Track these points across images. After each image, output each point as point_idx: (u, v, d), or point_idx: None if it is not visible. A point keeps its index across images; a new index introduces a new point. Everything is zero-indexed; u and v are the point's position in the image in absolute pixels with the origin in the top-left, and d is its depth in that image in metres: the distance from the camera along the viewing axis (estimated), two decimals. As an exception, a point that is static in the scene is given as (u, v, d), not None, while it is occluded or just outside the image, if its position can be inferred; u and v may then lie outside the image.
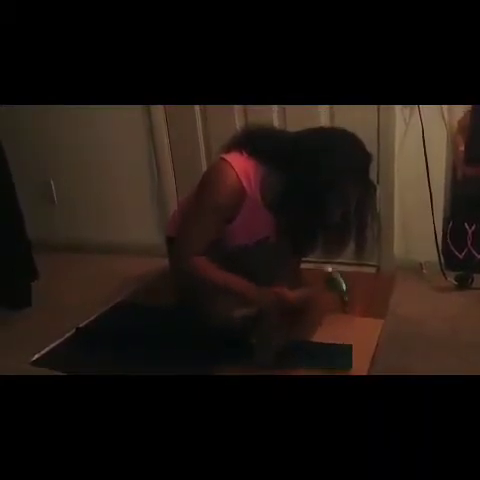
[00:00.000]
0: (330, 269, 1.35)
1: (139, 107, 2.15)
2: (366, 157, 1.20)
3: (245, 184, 1.19)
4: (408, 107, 1.80)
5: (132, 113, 2.18)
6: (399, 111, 1.82)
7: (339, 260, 2.01)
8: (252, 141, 1.25)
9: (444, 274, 1.84)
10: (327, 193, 1.14)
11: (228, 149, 1.26)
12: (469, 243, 1.88)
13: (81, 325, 1.65)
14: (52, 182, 2.47)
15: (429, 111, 1.77)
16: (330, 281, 1.36)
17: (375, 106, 1.84)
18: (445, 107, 1.77)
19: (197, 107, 2.11)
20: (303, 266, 1.67)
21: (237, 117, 2.05)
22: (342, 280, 1.36)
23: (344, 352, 1.27)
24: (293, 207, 1.18)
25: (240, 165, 1.19)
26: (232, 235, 1.28)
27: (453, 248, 1.90)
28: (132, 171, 2.30)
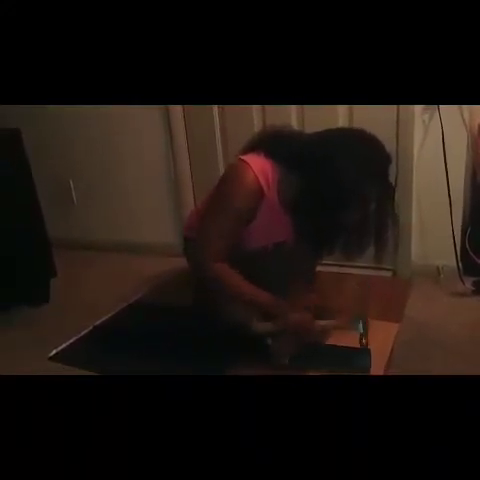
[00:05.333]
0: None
1: (157, 107, 2.17)
2: (385, 158, 1.19)
3: (263, 184, 1.19)
4: (428, 110, 1.78)
5: (151, 114, 2.19)
6: (418, 114, 1.80)
7: (356, 263, 2.02)
8: (270, 142, 1.25)
9: (462, 279, 1.82)
10: (345, 194, 1.14)
11: (246, 151, 1.27)
12: (488, 248, 1.85)
13: (98, 323, 1.67)
14: (71, 182, 2.51)
15: (449, 114, 1.75)
16: (353, 322, 1.37)
17: (394, 108, 1.82)
18: (465, 110, 1.75)
19: (215, 106, 2.11)
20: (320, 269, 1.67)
21: (255, 117, 2.04)
22: (362, 325, 1.36)
23: (362, 355, 1.27)
24: (310, 208, 1.17)
25: (258, 165, 1.20)
26: (250, 237, 1.28)
27: (471, 253, 1.87)
28: (149, 171, 2.32)
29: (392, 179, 1.86)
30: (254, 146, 1.27)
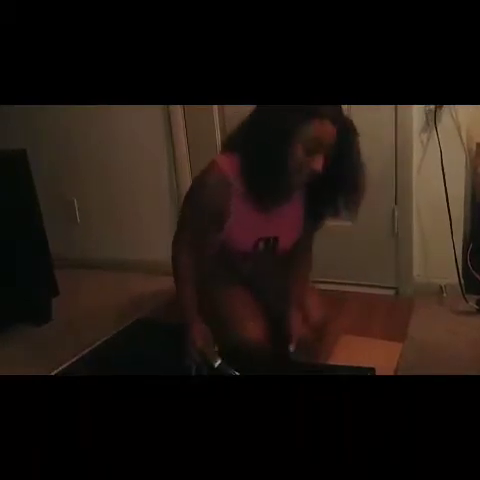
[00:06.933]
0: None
1: (162, 128, 2.21)
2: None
3: (230, 176, 1.19)
4: (426, 131, 1.81)
5: (154, 133, 2.23)
6: (416, 134, 1.82)
7: (357, 282, 2.02)
8: (228, 138, 1.28)
9: (465, 298, 1.81)
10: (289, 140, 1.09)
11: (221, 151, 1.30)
12: (490, 266, 1.85)
13: (101, 341, 1.67)
14: (75, 201, 2.53)
15: (447, 134, 1.77)
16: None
17: (392, 127, 1.84)
18: (463, 130, 1.77)
19: (217, 119, 2.12)
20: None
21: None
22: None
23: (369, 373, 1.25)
24: (267, 177, 1.14)
25: (223, 160, 1.22)
26: (234, 235, 1.27)
27: (474, 271, 1.87)
28: (153, 191, 2.34)
29: (392, 197, 1.90)
30: (223, 147, 1.30)
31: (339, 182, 1.19)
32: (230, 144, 1.24)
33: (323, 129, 1.09)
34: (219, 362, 1.23)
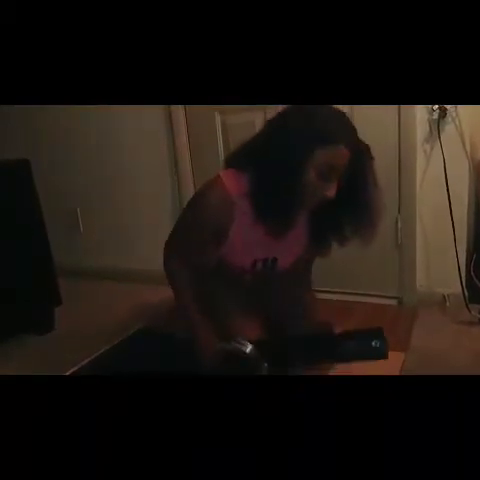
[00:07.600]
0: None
1: (165, 137, 2.22)
2: (334, 118, 1.09)
3: (232, 193, 1.17)
4: (429, 139, 1.81)
5: (158, 145, 2.25)
6: (420, 144, 1.83)
7: (360, 291, 2.01)
8: (233, 155, 1.26)
9: (468, 308, 1.80)
10: (304, 164, 1.07)
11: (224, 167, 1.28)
12: (494, 276, 1.84)
13: (103, 350, 1.67)
14: (79, 211, 2.54)
15: (450, 144, 1.77)
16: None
17: (396, 136, 1.84)
18: (467, 139, 1.78)
19: (218, 122, 2.11)
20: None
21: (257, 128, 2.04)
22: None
23: (376, 338, 1.20)
24: (273, 197, 1.11)
25: (228, 176, 1.19)
26: (234, 252, 1.26)
27: (477, 281, 1.86)
28: (156, 201, 2.36)
29: (395, 206, 1.90)
30: (227, 162, 1.28)
31: (351, 206, 1.16)
32: (237, 161, 1.22)
33: (337, 153, 1.07)
34: (250, 348, 1.18)
